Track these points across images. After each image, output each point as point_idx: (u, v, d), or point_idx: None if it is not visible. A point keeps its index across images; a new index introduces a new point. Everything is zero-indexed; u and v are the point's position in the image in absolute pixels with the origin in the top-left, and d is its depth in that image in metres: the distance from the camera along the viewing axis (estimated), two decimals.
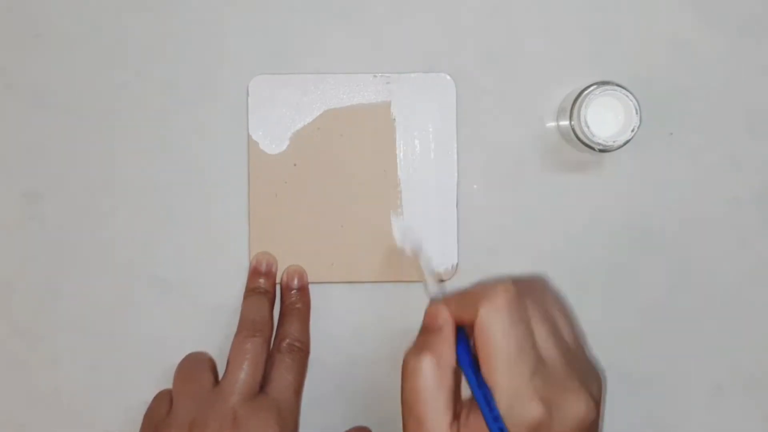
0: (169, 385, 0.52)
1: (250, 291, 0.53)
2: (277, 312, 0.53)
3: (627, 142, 0.49)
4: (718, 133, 0.54)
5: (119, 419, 0.53)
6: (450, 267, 0.53)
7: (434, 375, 0.42)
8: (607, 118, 0.50)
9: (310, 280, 0.53)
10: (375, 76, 0.53)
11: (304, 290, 0.53)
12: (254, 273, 0.53)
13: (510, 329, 0.41)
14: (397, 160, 0.53)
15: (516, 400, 0.41)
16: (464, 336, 0.44)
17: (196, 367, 0.51)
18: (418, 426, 0.42)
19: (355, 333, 0.54)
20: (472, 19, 0.54)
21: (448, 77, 0.53)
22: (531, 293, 0.44)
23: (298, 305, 0.53)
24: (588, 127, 0.49)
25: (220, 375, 0.51)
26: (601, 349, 0.54)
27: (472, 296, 0.43)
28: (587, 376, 0.43)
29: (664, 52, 0.54)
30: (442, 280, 0.52)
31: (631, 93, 0.49)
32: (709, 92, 0.54)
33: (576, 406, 0.41)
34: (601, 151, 0.50)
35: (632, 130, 0.49)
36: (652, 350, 0.54)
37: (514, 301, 0.42)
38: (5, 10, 0.53)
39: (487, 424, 0.41)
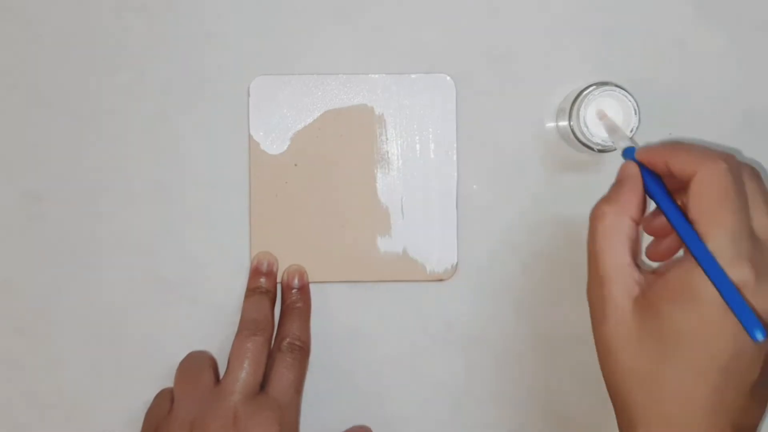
0: (169, 385, 0.52)
1: (251, 291, 0.53)
2: (278, 311, 0.53)
3: None
4: (717, 134, 0.54)
5: (119, 419, 0.53)
6: (450, 267, 0.53)
7: (613, 220, 0.42)
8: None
9: (310, 279, 0.53)
10: (375, 77, 0.53)
11: (304, 289, 0.53)
12: (255, 273, 0.53)
13: (731, 191, 0.40)
14: (398, 160, 0.53)
15: (724, 253, 0.39)
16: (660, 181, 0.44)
17: (197, 367, 0.51)
18: (595, 267, 0.43)
19: (355, 333, 0.54)
20: (472, 20, 0.54)
21: (449, 78, 0.53)
22: (755, 177, 0.43)
23: (298, 304, 0.53)
24: (587, 128, 0.49)
25: (222, 374, 0.51)
26: None
27: (694, 154, 0.42)
28: None
29: (664, 53, 0.54)
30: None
31: (629, 93, 0.49)
32: (708, 92, 0.54)
33: None
34: (600, 151, 0.50)
35: (631, 131, 0.49)
36: None
37: (738, 171, 0.42)
38: (5, 10, 0.53)
39: (697, 258, 0.40)
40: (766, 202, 0.42)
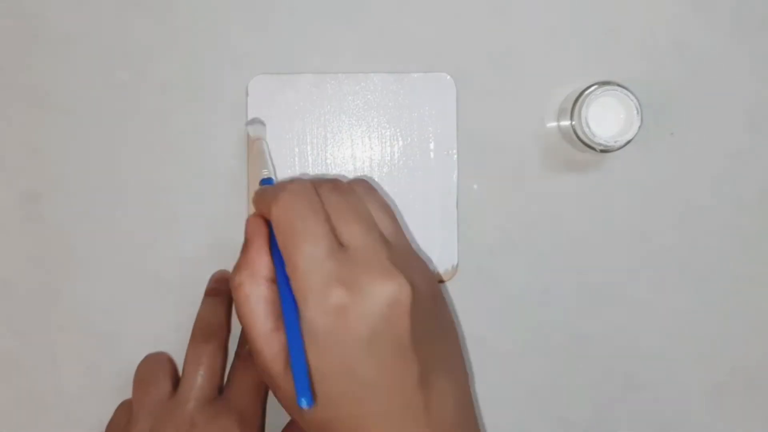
0: None
1: (206, 293, 0.52)
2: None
3: (628, 142, 0.49)
4: (719, 133, 0.54)
5: None
6: (450, 267, 0.53)
7: (248, 288, 0.42)
8: (608, 118, 0.50)
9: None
10: (375, 76, 0.53)
11: None
12: (212, 280, 0.53)
13: (296, 217, 0.40)
14: (398, 159, 0.53)
15: (309, 286, 0.39)
16: None
17: (153, 374, 0.51)
18: (248, 339, 0.42)
19: None
20: (473, 19, 0.54)
21: (449, 77, 0.53)
22: (338, 190, 0.43)
23: None
24: (589, 128, 0.49)
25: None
26: (600, 348, 0.54)
27: (266, 196, 0.42)
28: (408, 266, 0.41)
29: (665, 52, 0.54)
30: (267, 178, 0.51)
31: (632, 93, 0.49)
32: (709, 92, 0.54)
33: (382, 287, 0.39)
34: (602, 151, 0.50)
35: (633, 131, 0.49)
36: (654, 350, 0.54)
37: (303, 192, 0.41)
38: (5, 10, 0.53)
39: (283, 314, 0.40)
40: (350, 209, 0.42)
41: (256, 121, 0.52)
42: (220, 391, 0.50)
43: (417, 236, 0.53)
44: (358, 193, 0.44)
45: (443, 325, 0.44)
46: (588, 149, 0.50)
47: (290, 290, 0.40)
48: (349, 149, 0.53)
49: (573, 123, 0.50)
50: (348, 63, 0.54)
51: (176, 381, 0.50)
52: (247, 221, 0.44)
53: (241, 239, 0.53)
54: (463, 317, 0.54)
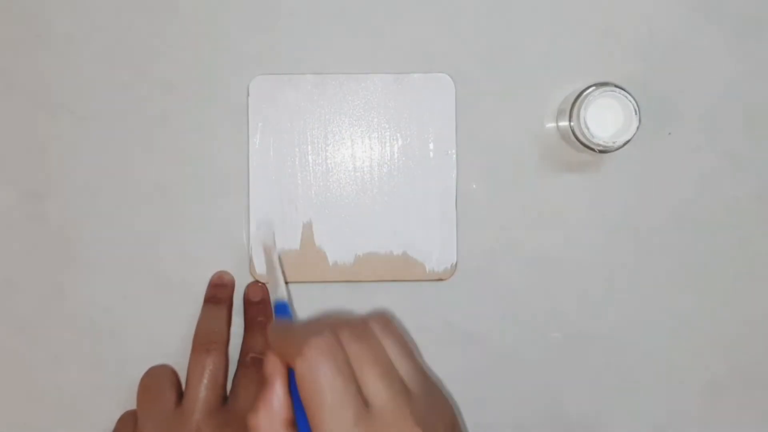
0: None
1: (206, 301, 0.53)
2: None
3: (627, 142, 0.49)
4: (717, 133, 0.54)
5: None
6: (449, 267, 0.53)
7: (268, 430, 0.41)
8: (606, 118, 0.50)
9: (310, 279, 0.53)
10: (375, 76, 0.53)
11: (265, 303, 0.53)
12: (211, 286, 0.53)
13: (325, 381, 0.39)
14: (397, 159, 0.53)
15: None
16: None
17: (158, 386, 0.51)
18: None
19: None
20: (472, 20, 0.54)
21: (448, 77, 0.53)
22: (358, 337, 0.41)
23: (260, 318, 0.53)
24: (588, 128, 0.49)
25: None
26: (600, 348, 0.54)
27: (290, 344, 0.41)
28: (432, 414, 0.41)
29: (663, 53, 0.54)
30: (286, 283, 0.51)
31: (630, 94, 0.49)
32: (707, 92, 0.54)
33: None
34: (601, 152, 0.50)
35: (632, 131, 0.49)
36: (652, 349, 0.54)
37: (330, 351, 0.39)
38: (5, 11, 0.53)
39: None
40: (373, 362, 0.40)
41: (262, 226, 0.52)
42: (224, 399, 0.50)
43: (416, 236, 0.53)
44: (376, 335, 0.42)
45: None
46: (586, 150, 0.50)
47: None
48: (349, 149, 0.53)
49: (572, 124, 0.50)
50: (348, 63, 0.54)
51: (180, 392, 0.50)
52: (267, 357, 0.42)
53: (243, 240, 0.53)
54: (461, 316, 0.54)
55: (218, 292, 0.53)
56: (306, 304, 0.54)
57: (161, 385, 0.51)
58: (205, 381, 0.49)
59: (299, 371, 0.39)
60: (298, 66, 0.53)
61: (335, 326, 0.41)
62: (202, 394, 0.48)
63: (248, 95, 0.53)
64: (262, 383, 0.47)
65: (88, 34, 0.53)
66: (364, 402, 0.39)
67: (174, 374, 0.52)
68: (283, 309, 0.47)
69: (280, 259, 0.52)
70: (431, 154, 0.53)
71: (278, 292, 0.47)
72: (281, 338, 0.42)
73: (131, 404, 0.52)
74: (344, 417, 0.38)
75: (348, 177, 0.53)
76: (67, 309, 0.54)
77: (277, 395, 0.41)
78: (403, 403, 0.40)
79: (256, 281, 0.53)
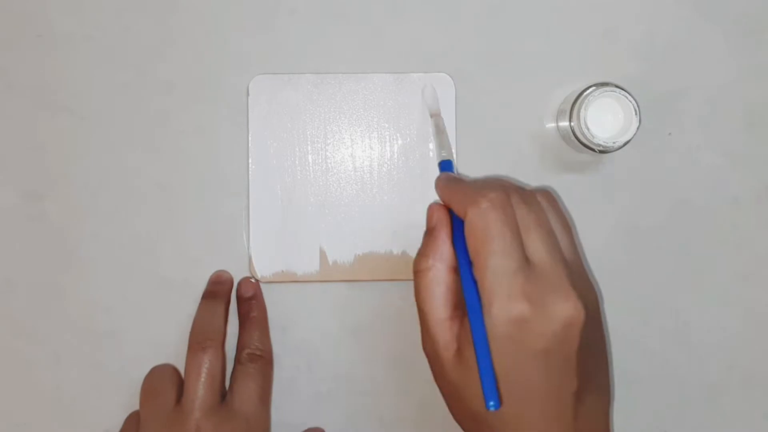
0: None
1: (204, 296, 0.53)
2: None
3: (627, 143, 0.49)
4: (717, 133, 0.54)
5: (119, 419, 0.53)
6: None
7: (431, 274, 0.44)
8: (606, 119, 0.50)
9: (310, 279, 0.53)
10: (375, 76, 0.53)
11: (258, 298, 0.53)
12: (209, 283, 0.53)
13: (495, 229, 0.42)
14: (397, 159, 0.53)
15: (496, 295, 0.41)
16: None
17: (159, 385, 0.51)
18: (422, 323, 0.45)
19: (355, 333, 0.54)
20: (472, 20, 0.54)
21: (448, 77, 0.53)
22: (526, 202, 0.45)
23: (253, 314, 0.53)
24: (588, 129, 0.49)
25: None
26: None
27: (463, 195, 0.44)
28: (581, 287, 0.44)
29: (663, 53, 0.54)
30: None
31: (630, 94, 0.49)
32: (707, 92, 0.54)
33: (562, 307, 0.42)
34: (600, 152, 0.50)
35: (632, 131, 0.49)
36: (651, 349, 0.54)
37: (502, 205, 0.43)
38: (5, 11, 0.53)
39: (469, 316, 0.42)
40: (537, 225, 0.44)
41: (428, 92, 0.53)
42: (222, 396, 0.50)
43: (416, 235, 0.53)
44: (543, 206, 0.46)
45: (600, 345, 0.47)
46: (587, 150, 0.50)
47: (475, 289, 0.42)
48: (348, 149, 0.53)
49: (572, 124, 0.50)
50: (348, 63, 0.54)
51: (181, 391, 0.50)
52: (431, 208, 0.47)
53: (243, 240, 0.53)
54: None
55: (216, 288, 0.53)
56: (304, 304, 0.54)
57: (162, 385, 0.51)
58: (202, 379, 0.49)
59: (471, 218, 0.43)
60: (298, 65, 0.54)
61: (506, 187, 0.45)
62: (200, 392, 0.49)
63: (248, 95, 0.53)
64: (263, 377, 0.51)
65: (88, 34, 0.53)
66: (525, 258, 0.43)
67: (176, 373, 0.52)
68: (449, 166, 0.49)
69: (443, 121, 0.52)
70: (431, 154, 0.53)
71: (445, 153, 0.50)
72: (452, 189, 0.46)
73: (131, 404, 0.52)
74: (508, 265, 0.42)
75: (348, 176, 0.53)
76: (67, 309, 0.54)
77: (444, 242, 0.45)
78: (561, 267, 0.43)
79: (248, 277, 0.53)
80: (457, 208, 0.44)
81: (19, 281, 0.53)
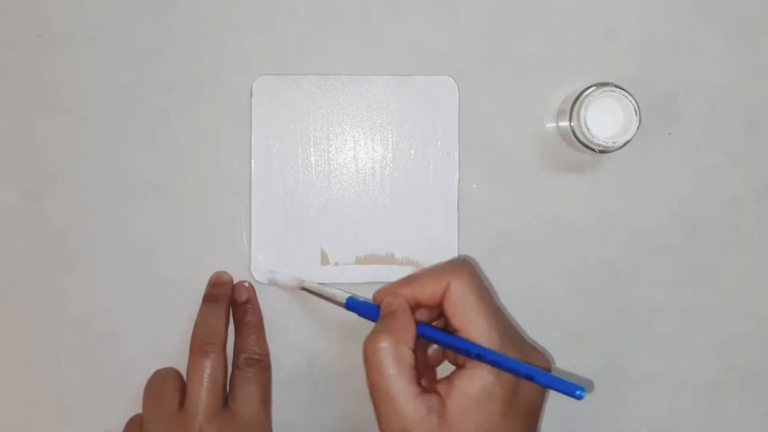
0: None
1: (204, 299, 0.53)
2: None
3: (627, 143, 0.49)
4: (717, 133, 0.54)
5: (119, 419, 0.53)
6: None
7: (393, 352, 0.44)
8: (606, 119, 0.50)
9: (311, 279, 0.53)
10: (378, 78, 0.53)
11: (252, 302, 0.53)
12: (209, 285, 0.53)
13: (483, 295, 0.45)
14: (400, 161, 0.53)
15: (498, 346, 0.44)
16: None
17: (162, 389, 0.51)
18: (384, 402, 0.44)
19: (354, 333, 0.54)
20: (473, 21, 0.54)
21: (452, 80, 0.53)
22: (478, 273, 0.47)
23: (249, 318, 0.53)
24: (588, 129, 0.49)
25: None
26: (600, 348, 0.54)
27: (436, 275, 0.46)
28: None
29: (663, 53, 0.54)
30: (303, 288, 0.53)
31: (630, 94, 0.49)
32: (707, 92, 0.54)
33: (541, 362, 0.46)
34: (601, 152, 0.50)
35: (632, 131, 0.49)
36: (652, 349, 0.55)
37: (477, 274, 0.46)
38: (5, 10, 0.53)
39: (494, 363, 0.43)
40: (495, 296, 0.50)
41: (280, 280, 0.53)
42: (225, 400, 0.50)
43: (419, 237, 0.53)
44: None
45: None
46: (587, 150, 0.50)
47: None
48: (351, 150, 0.53)
49: (572, 124, 0.50)
50: (351, 65, 0.54)
51: (184, 394, 0.50)
52: (386, 293, 0.47)
53: (243, 241, 0.53)
54: None
55: (216, 291, 0.53)
56: (304, 304, 0.54)
57: (165, 389, 0.51)
58: (205, 384, 0.49)
59: (457, 288, 0.45)
60: (301, 67, 0.53)
61: (465, 263, 0.47)
62: (203, 397, 0.49)
63: (251, 95, 0.53)
64: (262, 380, 0.51)
65: (88, 34, 0.53)
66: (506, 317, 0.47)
67: (178, 377, 0.52)
68: (354, 302, 0.50)
69: (308, 284, 0.52)
70: (434, 156, 0.53)
71: (340, 295, 0.51)
72: (418, 277, 0.47)
73: (131, 405, 0.52)
74: (501, 326, 0.45)
75: (350, 178, 0.53)
76: (67, 309, 0.53)
77: (402, 322, 0.46)
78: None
79: (242, 281, 0.53)
80: (434, 287, 0.46)
81: (19, 281, 0.53)
